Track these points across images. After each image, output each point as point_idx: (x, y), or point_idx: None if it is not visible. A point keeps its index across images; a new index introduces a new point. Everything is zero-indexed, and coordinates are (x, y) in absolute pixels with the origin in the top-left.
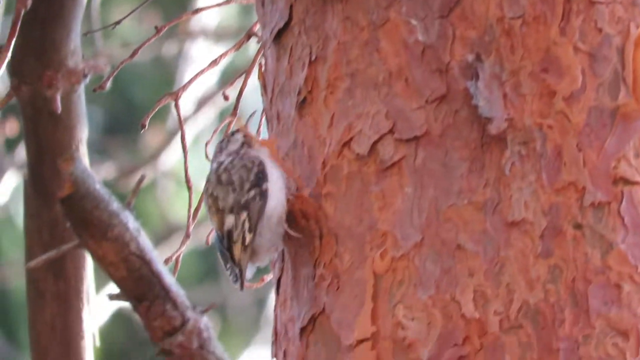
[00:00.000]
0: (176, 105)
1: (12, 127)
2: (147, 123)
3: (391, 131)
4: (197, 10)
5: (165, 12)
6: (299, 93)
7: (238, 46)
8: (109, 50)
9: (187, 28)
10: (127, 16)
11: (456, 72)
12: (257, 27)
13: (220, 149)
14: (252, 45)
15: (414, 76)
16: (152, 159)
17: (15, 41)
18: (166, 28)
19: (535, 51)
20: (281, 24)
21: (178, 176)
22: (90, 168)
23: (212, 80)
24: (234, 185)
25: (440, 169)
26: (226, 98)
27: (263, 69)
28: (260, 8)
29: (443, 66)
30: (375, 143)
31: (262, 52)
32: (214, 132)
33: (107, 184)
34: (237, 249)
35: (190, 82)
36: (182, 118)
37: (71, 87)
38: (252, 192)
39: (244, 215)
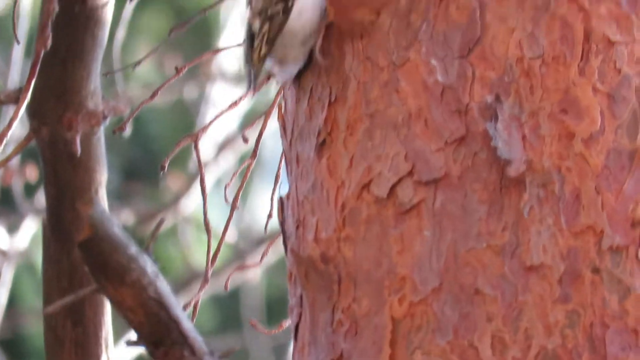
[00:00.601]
0: (196, 147)
1: (31, 172)
2: (166, 165)
3: (410, 173)
4: (218, 50)
5: (186, 55)
6: (319, 135)
7: (258, 88)
8: (129, 92)
9: (208, 70)
10: (147, 56)
11: (475, 113)
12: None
13: None
14: (273, 87)
15: (433, 117)
16: (173, 204)
17: (35, 82)
18: (186, 68)
19: (555, 92)
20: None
21: (199, 221)
22: (110, 213)
23: (232, 125)
24: None
25: (459, 212)
26: (245, 140)
27: (283, 110)
28: None
29: (462, 107)
30: (394, 185)
31: (281, 94)
32: (233, 175)
33: (127, 229)
34: (255, 55)
35: (210, 123)
36: (202, 162)
37: (91, 129)
38: (278, 6)
39: (266, 26)
